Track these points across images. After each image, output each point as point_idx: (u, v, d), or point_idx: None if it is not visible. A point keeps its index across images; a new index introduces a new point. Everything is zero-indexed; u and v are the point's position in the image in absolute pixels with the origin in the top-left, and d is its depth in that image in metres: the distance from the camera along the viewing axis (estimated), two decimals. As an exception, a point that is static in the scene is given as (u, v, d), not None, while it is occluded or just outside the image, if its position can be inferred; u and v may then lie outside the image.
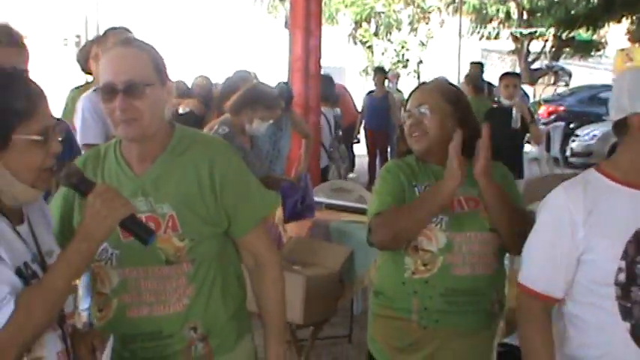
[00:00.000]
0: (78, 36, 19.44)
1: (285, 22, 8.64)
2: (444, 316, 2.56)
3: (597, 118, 14.76)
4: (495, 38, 26.27)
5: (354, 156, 12.21)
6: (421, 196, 2.57)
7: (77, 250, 1.74)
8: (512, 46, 25.46)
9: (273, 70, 9.51)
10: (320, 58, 8.14)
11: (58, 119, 2.36)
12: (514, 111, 6.83)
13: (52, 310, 1.72)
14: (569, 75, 27.26)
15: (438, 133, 2.59)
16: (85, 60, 4.04)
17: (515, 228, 2.53)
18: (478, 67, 11.48)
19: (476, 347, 2.65)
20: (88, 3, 20.14)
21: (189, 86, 8.64)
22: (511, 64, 26.82)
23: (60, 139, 1.80)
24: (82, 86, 4.57)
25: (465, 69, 12.12)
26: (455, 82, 7.64)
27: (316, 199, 5.67)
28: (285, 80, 7.41)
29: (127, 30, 3.83)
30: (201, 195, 2.12)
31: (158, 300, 2.11)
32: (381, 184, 2.66)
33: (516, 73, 9.13)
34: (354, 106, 12.43)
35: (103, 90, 2.05)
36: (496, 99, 9.21)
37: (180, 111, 7.48)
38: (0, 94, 1.70)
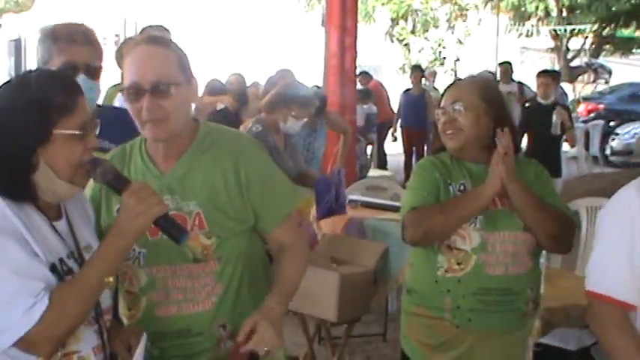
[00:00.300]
0: (117, 35, 19.66)
1: (322, 20, 8.65)
2: (477, 316, 2.54)
3: (638, 117, 14.48)
4: (537, 35, 25.96)
5: (385, 154, 12.20)
6: (458, 198, 2.55)
7: (111, 246, 1.76)
8: (551, 43, 25.15)
9: (310, 67, 9.52)
10: (356, 55, 8.13)
11: (99, 105, 2.42)
12: (554, 117, 6.76)
13: (85, 306, 1.73)
14: (610, 72, 26.86)
15: (473, 131, 2.57)
16: (122, 58, 4.08)
17: (549, 228, 2.51)
18: (507, 66, 11.41)
19: (510, 347, 2.64)
20: (127, 3, 20.36)
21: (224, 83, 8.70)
22: (550, 62, 26.51)
23: (95, 134, 1.82)
24: (119, 84, 4.63)
25: (503, 67, 12.01)
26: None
27: (351, 197, 5.65)
28: (321, 79, 7.42)
29: (164, 29, 3.87)
30: (227, 191, 2.10)
31: (186, 298, 2.10)
32: (416, 179, 2.65)
33: (554, 71, 8.99)
34: (389, 103, 12.39)
35: (128, 90, 2.03)
36: (527, 98, 9.11)
37: (218, 108, 7.53)
38: (42, 90, 1.73)
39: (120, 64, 4.28)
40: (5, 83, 1.78)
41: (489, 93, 2.65)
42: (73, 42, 2.46)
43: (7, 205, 1.69)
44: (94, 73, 2.51)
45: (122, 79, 2.10)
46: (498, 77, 11.51)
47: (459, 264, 2.53)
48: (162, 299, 2.11)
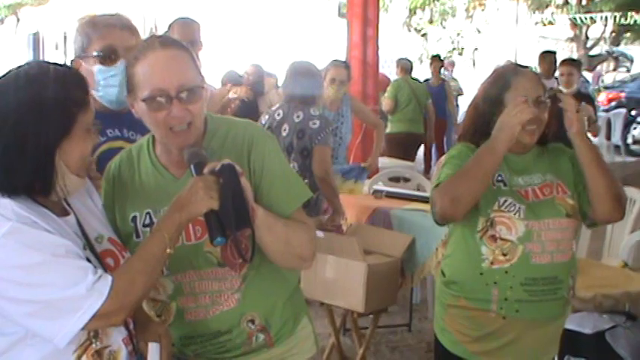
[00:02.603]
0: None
1: (339, 10, 8.63)
2: (524, 306, 2.52)
3: (660, 105, 14.39)
4: (555, 23, 25.78)
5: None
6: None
7: (170, 218, 1.82)
8: (570, 32, 24.96)
9: (328, 58, 9.51)
10: (377, 46, 8.13)
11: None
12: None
13: (152, 274, 1.79)
14: (631, 60, 26.61)
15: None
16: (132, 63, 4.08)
17: (613, 189, 2.47)
18: (552, 58, 10.97)
19: (550, 334, 2.64)
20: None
21: (240, 74, 8.80)
22: (569, 51, 26.31)
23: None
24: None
25: (522, 56, 11.90)
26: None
27: (376, 187, 5.66)
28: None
29: (194, 21, 3.86)
30: None
31: (213, 302, 2.05)
32: (450, 162, 2.56)
33: (575, 60, 8.91)
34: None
35: (151, 97, 1.90)
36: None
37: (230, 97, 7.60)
38: (63, 86, 1.75)
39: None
40: (14, 77, 1.74)
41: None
42: (112, 26, 2.42)
43: (18, 205, 1.70)
44: None
45: (130, 87, 1.97)
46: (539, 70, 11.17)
47: (504, 255, 2.50)
48: (191, 303, 2.07)
